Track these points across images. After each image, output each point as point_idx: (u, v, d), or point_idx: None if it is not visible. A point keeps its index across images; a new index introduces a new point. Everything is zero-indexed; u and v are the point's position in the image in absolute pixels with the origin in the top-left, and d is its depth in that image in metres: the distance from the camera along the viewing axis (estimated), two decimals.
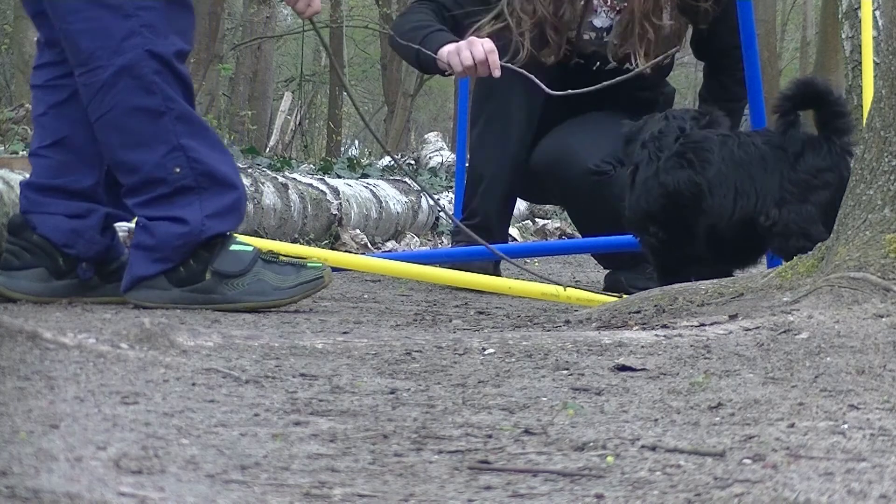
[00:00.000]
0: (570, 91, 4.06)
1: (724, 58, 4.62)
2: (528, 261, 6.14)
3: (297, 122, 16.42)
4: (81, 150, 3.58)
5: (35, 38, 3.95)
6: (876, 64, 5.63)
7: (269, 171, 6.57)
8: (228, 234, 3.57)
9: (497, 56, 4.12)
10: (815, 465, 1.66)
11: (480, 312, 3.79)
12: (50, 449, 1.59)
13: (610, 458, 1.70)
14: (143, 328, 2.40)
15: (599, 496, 1.53)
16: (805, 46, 24.19)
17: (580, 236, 5.11)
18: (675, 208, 3.58)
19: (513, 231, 7.60)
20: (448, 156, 10.64)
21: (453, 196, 5.65)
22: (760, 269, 4.01)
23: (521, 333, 2.79)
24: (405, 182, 7.60)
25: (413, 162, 10.86)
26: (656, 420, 1.95)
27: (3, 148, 7.91)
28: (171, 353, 2.35)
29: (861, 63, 6.52)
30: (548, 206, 9.16)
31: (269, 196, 6.14)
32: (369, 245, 6.55)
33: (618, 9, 4.54)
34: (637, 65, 4.43)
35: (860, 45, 7.04)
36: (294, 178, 6.60)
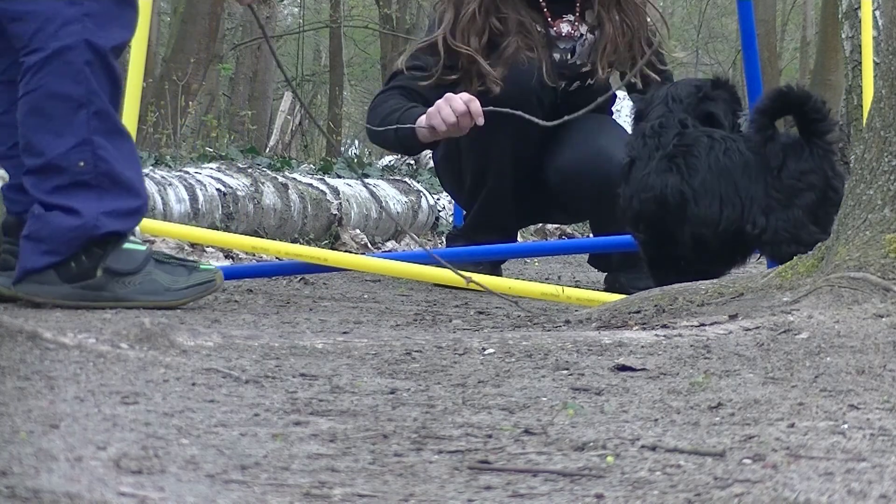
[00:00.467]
0: (566, 118, 4.05)
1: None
2: (528, 261, 6.14)
3: (297, 122, 16.41)
4: None
5: None
6: (876, 64, 5.63)
7: (269, 171, 6.57)
8: (123, 233, 3.55)
9: (478, 103, 4.09)
10: (815, 465, 1.66)
11: (480, 312, 3.78)
12: (50, 449, 1.59)
13: (610, 458, 1.70)
14: (143, 328, 2.39)
15: (599, 496, 1.53)
16: (805, 46, 24.19)
17: (591, 236, 5.10)
18: (662, 212, 3.59)
19: None
20: None
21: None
22: (760, 268, 4.01)
23: (521, 333, 2.79)
24: (405, 182, 7.61)
25: (413, 162, 10.86)
26: (656, 420, 1.95)
27: None
28: (171, 353, 2.35)
29: (861, 63, 6.52)
30: None
31: (269, 196, 6.14)
32: (369, 245, 6.55)
33: (584, 34, 4.61)
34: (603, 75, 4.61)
35: (860, 45, 7.04)
36: (294, 178, 6.60)
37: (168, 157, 7.55)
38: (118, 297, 3.50)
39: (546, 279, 5.19)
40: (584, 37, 4.65)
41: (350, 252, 5.79)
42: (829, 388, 2.18)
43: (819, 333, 2.55)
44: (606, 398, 2.13)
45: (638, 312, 3.04)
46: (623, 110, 5.97)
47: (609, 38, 4.63)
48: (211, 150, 9.01)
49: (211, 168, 6.26)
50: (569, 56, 4.64)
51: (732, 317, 2.74)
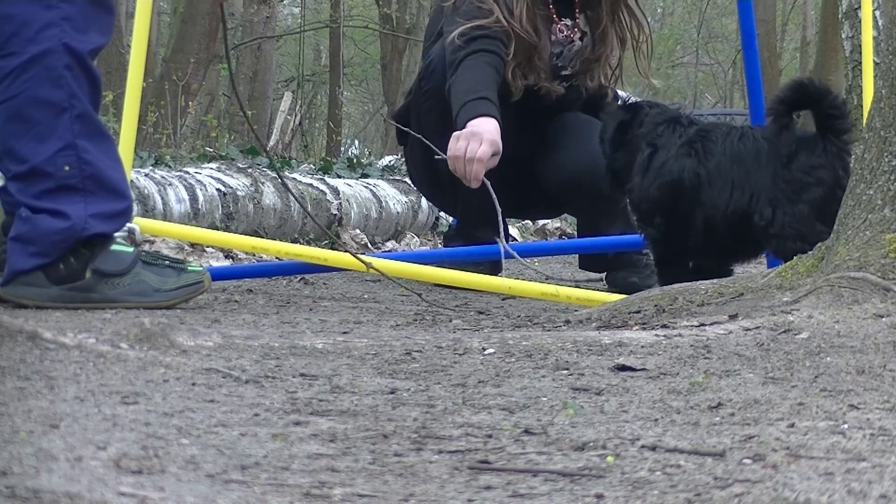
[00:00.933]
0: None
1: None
2: (528, 261, 6.14)
3: (297, 122, 16.40)
4: None
5: None
6: (876, 64, 5.63)
7: (269, 171, 6.57)
8: (110, 234, 3.55)
9: (483, 169, 3.93)
10: (815, 465, 1.66)
11: (480, 312, 3.78)
12: (50, 449, 1.59)
13: (610, 458, 1.70)
14: (143, 328, 2.39)
15: (599, 496, 1.53)
16: (805, 46, 24.19)
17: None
18: (678, 198, 3.59)
19: (512, 231, 7.60)
20: None
21: None
22: (761, 268, 4.01)
23: (521, 333, 2.79)
24: (405, 182, 7.61)
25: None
26: (656, 420, 1.95)
27: None
28: (171, 353, 2.35)
29: (861, 63, 6.52)
30: None
31: (269, 196, 6.14)
32: (369, 245, 6.55)
33: (574, 40, 4.61)
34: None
35: (860, 45, 7.04)
36: (294, 178, 6.60)
37: (168, 157, 7.55)
38: (107, 298, 3.50)
39: (546, 279, 5.19)
40: (573, 42, 4.65)
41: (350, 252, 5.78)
42: (829, 388, 2.18)
43: (819, 333, 2.55)
44: (606, 398, 2.13)
45: (638, 312, 3.04)
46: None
47: (611, 48, 4.63)
48: (211, 150, 9.01)
49: (211, 168, 6.26)
50: (555, 59, 4.64)
51: (732, 317, 2.74)
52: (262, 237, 5.72)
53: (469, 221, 4.75)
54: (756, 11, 5.29)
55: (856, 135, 3.58)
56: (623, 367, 2.35)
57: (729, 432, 1.86)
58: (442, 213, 7.59)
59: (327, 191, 6.62)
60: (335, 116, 22.01)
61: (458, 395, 2.14)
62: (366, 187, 7.12)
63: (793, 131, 3.51)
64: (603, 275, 4.87)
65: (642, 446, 1.78)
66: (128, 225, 3.92)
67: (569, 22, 4.65)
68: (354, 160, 9.01)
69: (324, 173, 7.79)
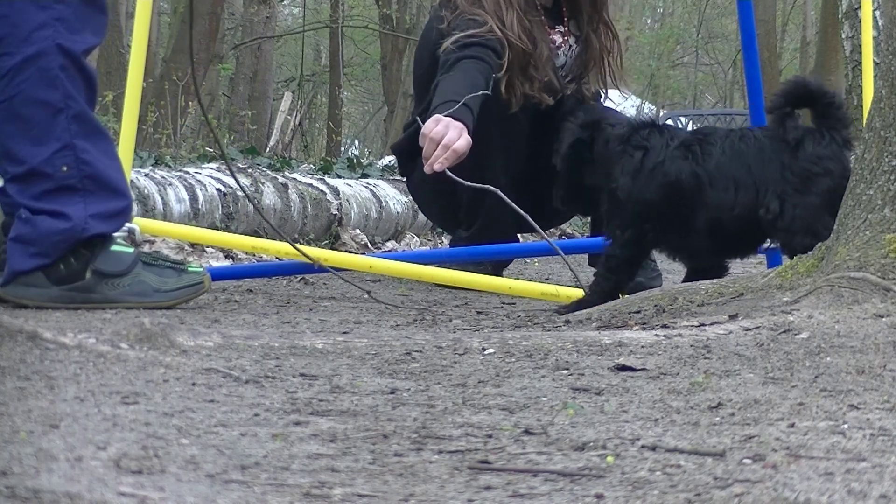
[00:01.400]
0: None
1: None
2: (528, 261, 6.14)
3: (297, 122, 16.40)
4: None
5: None
6: (876, 64, 5.63)
7: (269, 171, 6.57)
8: (110, 235, 3.55)
9: (452, 161, 3.89)
10: (815, 465, 1.66)
11: (480, 312, 3.78)
12: (50, 449, 1.59)
13: (610, 458, 1.70)
14: (143, 328, 2.40)
15: (599, 496, 1.53)
16: (805, 46, 24.19)
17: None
18: (676, 199, 3.57)
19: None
20: None
21: None
22: (761, 269, 4.01)
23: (521, 333, 2.79)
24: (405, 182, 7.60)
25: None
26: (656, 420, 1.95)
27: None
28: (171, 353, 2.35)
29: (861, 63, 6.52)
30: None
31: (269, 196, 6.14)
32: (369, 245, 6.55)
33: (572, 45, 4.63)
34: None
35: (860, 45, 7.04)
36: (294, 178, 6.60)
37: (168, 157, 7.55)
38: (107, 298, 3.50)
39: (546, 279, 5.19)
40: (572, 48, 4.67)
41: (350, 252, 5.79)
42: (829, 388, 2.18)
43: (819, 333, 2.55)
44: (606, 398, 2.13)
45: (638, 312, 3.04)
46: None
47: (596, 54, 4.66)
48: (211, 150, 9.01)
49: (211, 168, 6.26)
50: (561, 70, 4.66)
51: (732, 317, 2.74)
52: (262, 237, 5.72)
53: (488, 237, 4.69)
54: (756, 11, 5.29)
55: (855, 132, 3.59)
56: (623, 367, 2.35)
57: (729, 432, 1.86)
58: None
59: (327, 191, 6.62)
60: (335, 116, 22.01)
61: (458, 395, 2.15)
62: (366, 187, 7.12)
63: (795, 121, 3.51)
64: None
65: (642, 446, 1.78)
66: (128, 225, 3.92)
67: (561, 28, 4.67)
68: (354, 160, 9.00)
69: (324, 173, 7.79)
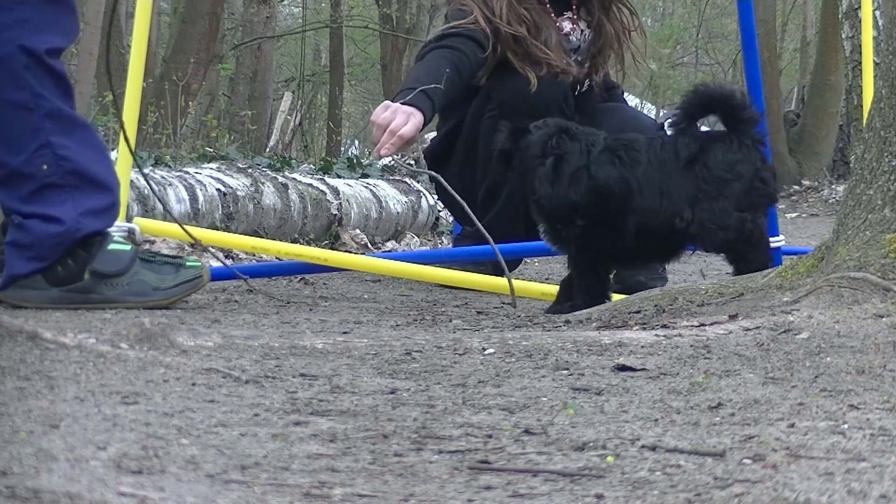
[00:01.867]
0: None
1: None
2: (528, 261, 6.14)
3: (297, 123, 16.40)
4: None
5: None
6: (876, 64, 5.62)
7: (269, 171, 6.57)
8: (105, 232, 3.54)
9: (399, 147, 3.95)
10: (815, 465, 1.66)
11: (480, 312, 3.78)
12: (50, 449, 1.59)
13: (610, 458, 1.70)
14: (143, 328, 2.40)
15: (599, 496, 1.53)
16: (805, 46, 24.17)
17: None
18: (605, 203, 3.59)
19: None
20: None
21: None
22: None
23: (521, 333, 2.79)
24: (405, 182, 7.61)
25: (413, 162, 10.86)
26: (656, 420, 1.95)
27: None
28: (171, 353, 2.35)
29: (861, 63, 6.52)
30: None
31: (269, 196, 6.13)
32: (369, 245, 6.55)
33: (584, 30, 4.63)
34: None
35: (860, 45, 7.03)
36: (294, 178, 6.60)
37: (168, 157, 7.55)
38: (107, 299, 3.50)
39: (546, 279, 5.19)
40: (584, 33, 4.67)
41: (350, 252, 5.79)
42: (829, 388, 2.18)
43: (819, 333, 2.55)
44: (606, 398, 2.13)
45: (638, 312, 3.04)
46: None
47: (609, 39, 4.67)
48: (211, 150, 9.01)
49: (211, 168, 6.26)
50: (574, 54, 4.65)
51: (732, 317, 2.74)
52: (262, 237, 5.72)
53: (495, 234, 4.70)
54: (756, 11, 5.28)
55: (855, 132, 3.61)
56: (623, 367, 2.35)
57: (729, 432, 1.86)
58: (442, 214, 7.59)
59: (327, 191, 6.62)
60: (335, 116, 22.00)
61: (458, 395, 2.14)
62: (366, 187, 7.12)
63: (691, 133, 3.56)
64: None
65: (642, 446, 1.78)
66: (128, 225, 3.92)
67: (570, 14, 4.67)
68: (354, 160, 9.00)
69: (324, 173, 7.79)
